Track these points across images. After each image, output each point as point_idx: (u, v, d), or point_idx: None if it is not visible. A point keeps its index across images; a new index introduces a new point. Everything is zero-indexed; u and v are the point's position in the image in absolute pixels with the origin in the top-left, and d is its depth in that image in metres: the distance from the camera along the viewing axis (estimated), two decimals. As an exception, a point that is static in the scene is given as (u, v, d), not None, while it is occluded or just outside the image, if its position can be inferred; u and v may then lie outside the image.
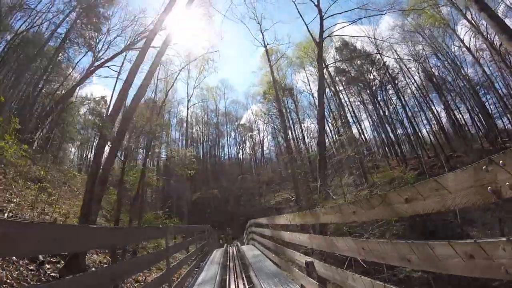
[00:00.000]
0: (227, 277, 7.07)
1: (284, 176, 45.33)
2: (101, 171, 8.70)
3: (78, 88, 34.55)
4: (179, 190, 40.95)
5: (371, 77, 41.55)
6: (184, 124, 59.35)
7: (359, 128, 43.10)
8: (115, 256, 9.34)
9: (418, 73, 39.61)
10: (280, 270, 7.25)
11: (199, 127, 59.29)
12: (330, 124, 43.91)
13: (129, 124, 11.10)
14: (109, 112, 45.49)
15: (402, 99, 39.86)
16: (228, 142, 60.61)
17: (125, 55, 33.77)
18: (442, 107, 37.72)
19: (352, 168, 19.98)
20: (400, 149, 39.21)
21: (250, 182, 46.42)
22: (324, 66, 38.56)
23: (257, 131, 56.99)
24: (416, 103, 39.73)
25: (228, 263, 9.06)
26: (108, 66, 29.90)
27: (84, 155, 44.94)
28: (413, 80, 39.62)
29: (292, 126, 46.52)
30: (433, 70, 38.36)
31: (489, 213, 20.53)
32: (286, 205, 34.47)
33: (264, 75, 41.57)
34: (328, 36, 19.46)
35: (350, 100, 44.25)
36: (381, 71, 38.60)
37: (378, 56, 37.64)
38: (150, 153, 16.74)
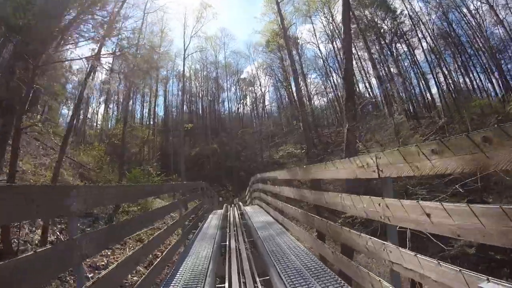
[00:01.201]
0: (226, 284, 3.61)
1: (286, 130, 41.79)
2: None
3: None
4: (178, 146, 37.54)
5: (383, 28, 36.85)
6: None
7: (367, 85, 38.89)
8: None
9: (433, 29, 34.73)
10: (321, 262, 3.85)
11: (198, 81, 54.82)
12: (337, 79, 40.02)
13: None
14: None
15: (414, 56, 35.65)
16: (228, 97, 56.19)
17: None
18: (453, 68, 33.31)
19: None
20: (412, 107, 35.33)
21: (251, 136, 42.92)
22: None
23: (258, 84, 52.54)
24: (431, 59, 35.18)
25: (227, 241, 5.61)
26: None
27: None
28: (427, 34, 34.90)
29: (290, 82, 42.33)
30: (451, 26, 33.50)
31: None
32: (290, 159, 31.20)
33: (269, 22, 36.47)
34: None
35: (358, 54, 39.52)
36: (395, 21, 33.80)
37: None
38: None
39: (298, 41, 40.14)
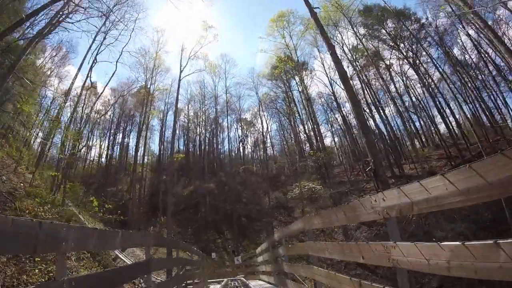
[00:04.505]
0: None
1: (293, 169, 34.33)
2: None
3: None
4: (170, 185, 29.88)
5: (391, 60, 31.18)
6: (181, 117, 48.42)
7: (383, 115, 32.02)
8: None
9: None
10: None
11: (196, 116, 48.16)
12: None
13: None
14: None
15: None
16: (229, 136, 48.98)
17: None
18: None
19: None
20: (439, 136, 29.02)
21: (253, 175, 35.39)
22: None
23: (260, 123, 45.64)
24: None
25: None
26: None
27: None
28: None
29: (299, 112, 35.58)
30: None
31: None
32: (303, 200, 23.54)
33: (277, 47, 30.73)
34: None
35: (371, 82, 33.27)
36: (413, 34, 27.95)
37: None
38: None
39: (307, 66, 34.03)
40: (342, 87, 33.34)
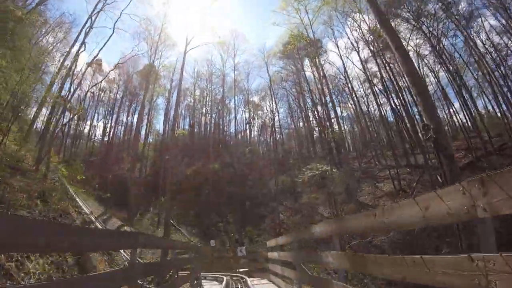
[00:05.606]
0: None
1: (298, 156, 32.38)
2: None
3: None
4: (172, 164, 28.05)
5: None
6: (189, 97, 46.73)
7: (398, 100, 29.37)
8: None
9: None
10: None
11: (203, 98, 46.35)
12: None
13: None
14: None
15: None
16: (236, 117, 46.87)
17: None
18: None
19: None
20: (460, 126, 26.99)
21: (259, 159, 33.43)
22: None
23: (270, 101, 43.37)
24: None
25: None
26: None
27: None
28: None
29: (311, 92, 33.19)
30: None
31: None
32: (311, 185, 21.68)
33: (290, 22, 28.19)
34: None
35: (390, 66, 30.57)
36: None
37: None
38: None
39: (321, 46, 31.51)
40: (358, 66, 31.29)
